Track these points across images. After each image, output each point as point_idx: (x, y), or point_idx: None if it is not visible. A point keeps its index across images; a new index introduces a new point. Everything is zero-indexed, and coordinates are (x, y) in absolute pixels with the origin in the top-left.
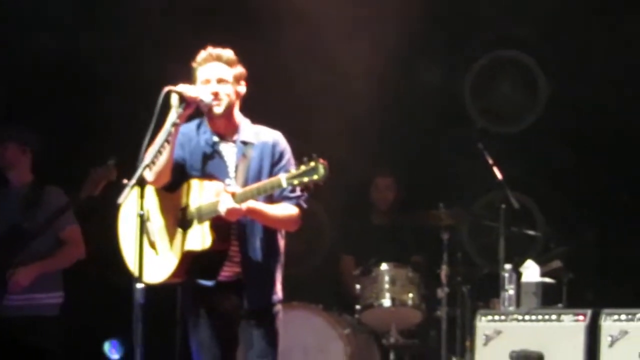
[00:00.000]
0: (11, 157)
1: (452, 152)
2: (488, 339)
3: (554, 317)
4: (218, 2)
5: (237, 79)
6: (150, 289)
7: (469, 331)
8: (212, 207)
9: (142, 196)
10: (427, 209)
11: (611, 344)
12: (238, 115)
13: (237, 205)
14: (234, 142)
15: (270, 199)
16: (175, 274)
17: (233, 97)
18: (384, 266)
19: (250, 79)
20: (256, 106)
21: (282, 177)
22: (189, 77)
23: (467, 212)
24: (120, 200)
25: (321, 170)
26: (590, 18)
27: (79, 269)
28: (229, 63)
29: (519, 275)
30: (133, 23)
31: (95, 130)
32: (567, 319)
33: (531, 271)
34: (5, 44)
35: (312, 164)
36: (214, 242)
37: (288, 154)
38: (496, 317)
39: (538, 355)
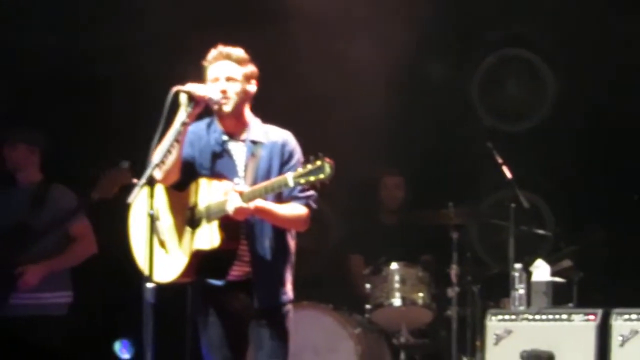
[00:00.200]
0: (20, 158)
1: (460, 150)
2: (499, 339)
3: (564, 316)
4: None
5: (247, 78)
6: (160, 288)
7: (480, 331)
8: (221, 206)
9: (151, 195)
10: (436, 208)
11: (622, 344)
12: (248, 114)
13: (244, 205)
14: (244, 141)
15: (280, 199)
16: (185, 273)
17: (242, 95)
18: (394, 265)
19: (259, 78)
20: (265, 105)
21: (289, 176)
22: (196, 76)
23: (477, 211)
24: (130, 199)
25: (327, 169)
26: (600, 16)
27: (89, 267)
28: (239, 61)
29: (529, 274)
30: (139, 21)
31: (101, 129)
32: (578, 318)
33: (541, 270)
34: (6, 44)
35: (318, 162)
36: (223, 241)
37: (297, 154)
38: (507, 317)
39: (549, 354)
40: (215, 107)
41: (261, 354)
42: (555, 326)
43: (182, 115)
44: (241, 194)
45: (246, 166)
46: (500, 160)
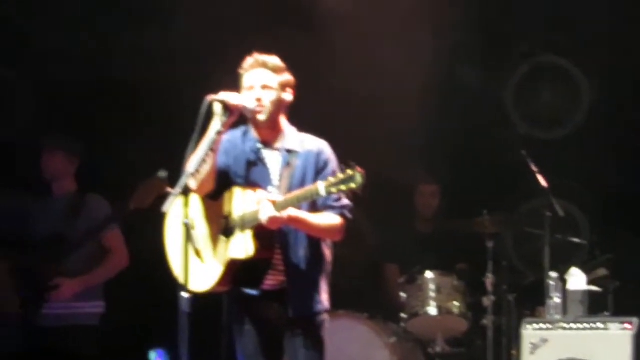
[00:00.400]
0: (59, 166)
1: (495, 158)
2: (535, 348)
3: (600, 325)
4: (265, 6)
5: (282, 86)
6: (196, 297)
7: (515, 340)
8: (254, 216)
9: (186, 205)
10: (471, 217)
11: None
12: (284, 123)
13: (277, 214)
14: (279, 150)
15: (315, 208)
16: (220, 282)
17: (277, 104)
18: (429, 274)
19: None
20: (300, 113)
21: (320, 185)
22: (233, 84)
23: (512, 219)
24: (165, 208)
25: (358, 178)
26: (634, 21)
27: (123, 277)
28: (275, 70)
29: (565, 283)
30: (176, 30)
31: (134, 138)
32: (614, 327)
33: (577, 279)
34: (41, 51)
35: (350, 172)
36: (257, 250)
37: (333, 163)
38: (542, 326)
39: None
40: (250, 115)
41: None
42: (592, 335)
43: (216, 124)
44: (274, 203)
45: (281, 175)
46: (535, 169)
